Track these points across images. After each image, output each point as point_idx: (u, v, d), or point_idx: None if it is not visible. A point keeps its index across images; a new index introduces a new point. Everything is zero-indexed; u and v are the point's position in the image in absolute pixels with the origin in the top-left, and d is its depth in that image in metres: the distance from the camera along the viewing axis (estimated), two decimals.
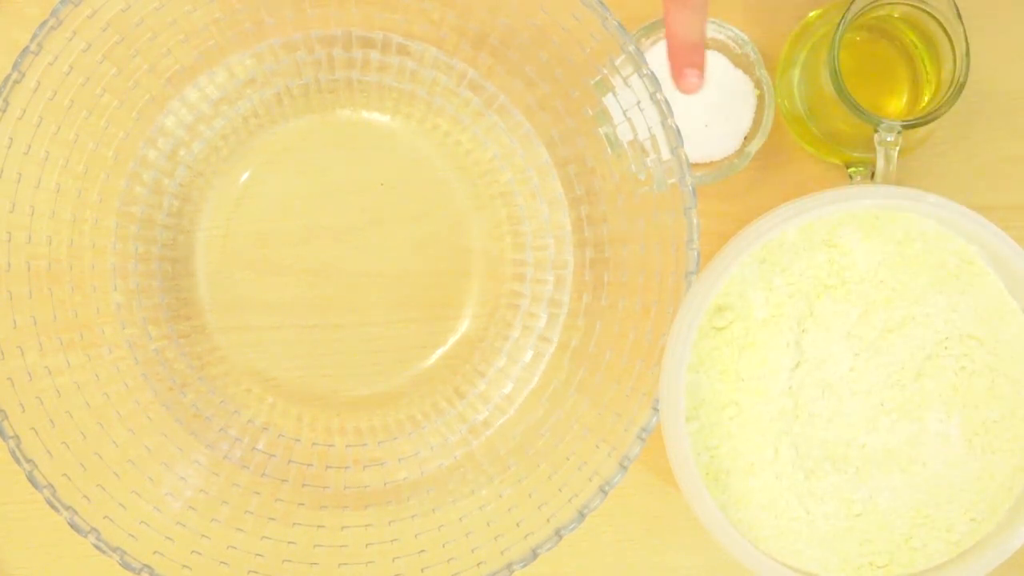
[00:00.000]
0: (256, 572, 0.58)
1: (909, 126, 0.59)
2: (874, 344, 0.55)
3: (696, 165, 0.65)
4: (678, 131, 0.57)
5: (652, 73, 0.57)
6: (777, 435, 0.54)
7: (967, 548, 0.55)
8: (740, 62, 0.65)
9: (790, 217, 0.54)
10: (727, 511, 0.54)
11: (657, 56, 0.65)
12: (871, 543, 0.55)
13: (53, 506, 0.55)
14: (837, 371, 0.55)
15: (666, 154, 0.57)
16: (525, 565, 0.56)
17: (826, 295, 0.55)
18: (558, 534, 0.56)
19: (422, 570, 0.58)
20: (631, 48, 0.57)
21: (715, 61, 0.66)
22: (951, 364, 0.55)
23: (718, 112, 0.65)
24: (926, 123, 0.59)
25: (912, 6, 0.62)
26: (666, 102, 0.57)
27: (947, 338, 0.55)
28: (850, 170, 0.65)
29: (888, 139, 0.59)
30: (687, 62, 0.57)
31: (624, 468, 0.56)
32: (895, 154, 0.59)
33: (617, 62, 0.58)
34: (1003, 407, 0.55)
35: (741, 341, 0.55)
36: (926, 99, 0.64)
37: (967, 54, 0.59)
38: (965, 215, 0.54)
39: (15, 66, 0.56)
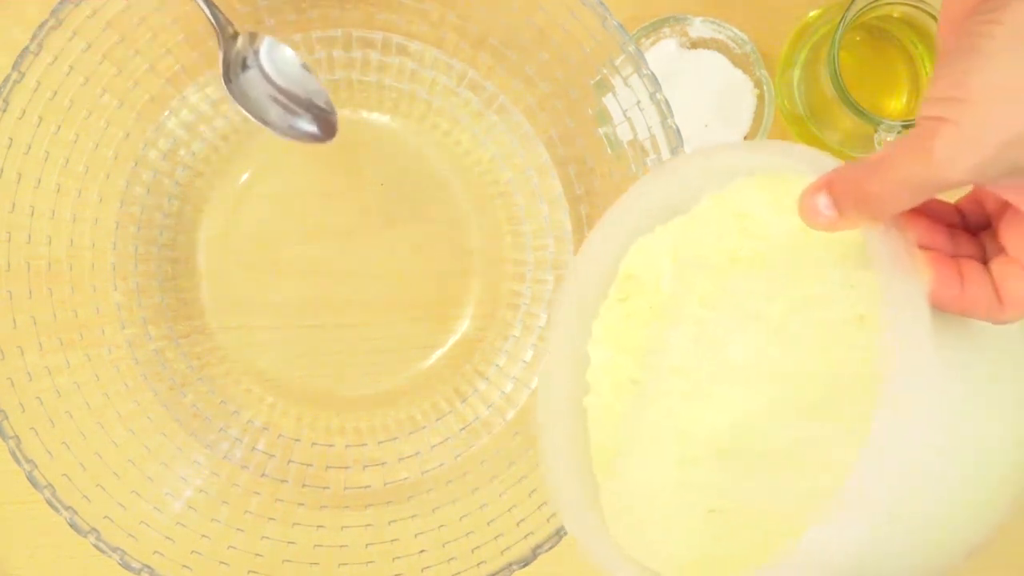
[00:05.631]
0: (256, 572, 0.58)
1: (909, 126, 0.59)
2: (779, 327, 0.47)
3: None
4: (678, 131, 0.57)
5: (652, 73, 0.57)
6: (664, 421, 0.49)
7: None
8: (740, 62, 0.65)
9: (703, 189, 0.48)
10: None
11: (657, 56, 0.65)
12: (726, 542, 0.47)
13: (53, 506, 0.55)
14: (735, 355, 0.47)
15: (666, 154, 0.57)
16: (525, 565, 0.56)
17: (735, 270, 0.48)
18: (558, 534, 0.56)
19: (422, 570, 0.58)
20: (631, 48, 0.57)
21: (715, 61, 0.66)
22: (854, 355, 0.45)
23: (718, 112, 0.65)
24: None
25: (912, 6, 0.62)
26: (666, 102, 0.57)
27: (845, 321, 0.46)
28: None
29: (888, 139, 0.59)
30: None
31: None
32: None
33: (617, 62, 0.58)
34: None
35: (645, 315, 0.50)
36: None
37: None
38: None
39: (15, 66, 0.56)
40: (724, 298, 0.48)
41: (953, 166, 0.36)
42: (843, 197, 0.39)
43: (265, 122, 0.59)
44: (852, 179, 0.39)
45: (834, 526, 0.38)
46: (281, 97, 0.60)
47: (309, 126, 0.60)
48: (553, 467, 0.50)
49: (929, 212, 0.41)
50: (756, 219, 0.48)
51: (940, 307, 0.40)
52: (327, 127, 0.60)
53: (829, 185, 0.39)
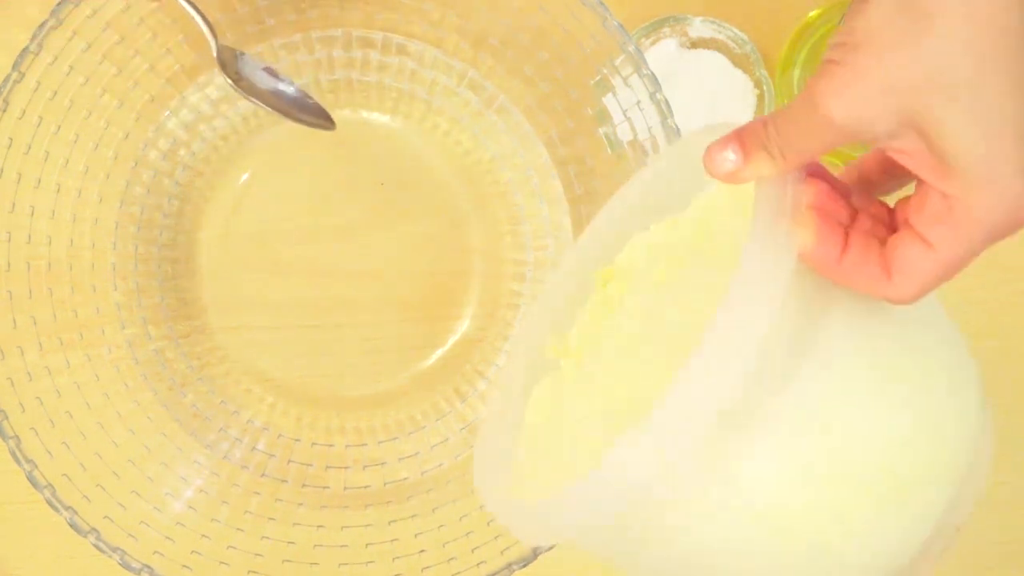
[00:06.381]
0: (256, 572, 0.58)
1: None
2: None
3: None
4: (678, 131, 0.57)
5: (652, 73, 0.57)
6: (596, 401, 0.49)
7: None
8: (740, 62, 0.65)
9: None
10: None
11: (657, 56, 0.65)
12: None
13: (53, 506, 0.55)
14: (671, 344, 0.47)
15: None
16: (525, 565, 0.56)
17: (693, 265, 0.48)
18: None
19: (422, 570, 0.58)
20: (631, 48, 0.57)
21: (715, 61, 0.66)
22: None
23: (718, 112, 0.65)
24: None
25: None
26: (666, 102, 0.57)
27: None
28: None
29: None
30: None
31: None
32: None
33: (617, 62, 0.58)
34: None
35: (616, 303, 0.51)
36: None
37: None
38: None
39: (15, 66, 0.56)
40: (676, 293, 0.48)
41: (832, 106, 0.36)
42: (749, 141, 0.40)
43: (278, 109, 0.60)
44: (758, 124, 0.39)
45: (628, 444, 0.37)
46: (281, 87, 0.61)
47: (313, 112, 0.62)
48: (485, 437, 0.50)
49: (840, 189, 0.40)
50: (721, 220, 0.48)
51: (817, 269, 0.39)
52: (326, 115, 0.62)
53: (738, 135, 0.40)
